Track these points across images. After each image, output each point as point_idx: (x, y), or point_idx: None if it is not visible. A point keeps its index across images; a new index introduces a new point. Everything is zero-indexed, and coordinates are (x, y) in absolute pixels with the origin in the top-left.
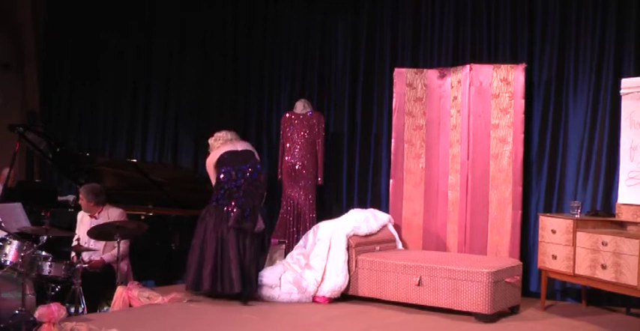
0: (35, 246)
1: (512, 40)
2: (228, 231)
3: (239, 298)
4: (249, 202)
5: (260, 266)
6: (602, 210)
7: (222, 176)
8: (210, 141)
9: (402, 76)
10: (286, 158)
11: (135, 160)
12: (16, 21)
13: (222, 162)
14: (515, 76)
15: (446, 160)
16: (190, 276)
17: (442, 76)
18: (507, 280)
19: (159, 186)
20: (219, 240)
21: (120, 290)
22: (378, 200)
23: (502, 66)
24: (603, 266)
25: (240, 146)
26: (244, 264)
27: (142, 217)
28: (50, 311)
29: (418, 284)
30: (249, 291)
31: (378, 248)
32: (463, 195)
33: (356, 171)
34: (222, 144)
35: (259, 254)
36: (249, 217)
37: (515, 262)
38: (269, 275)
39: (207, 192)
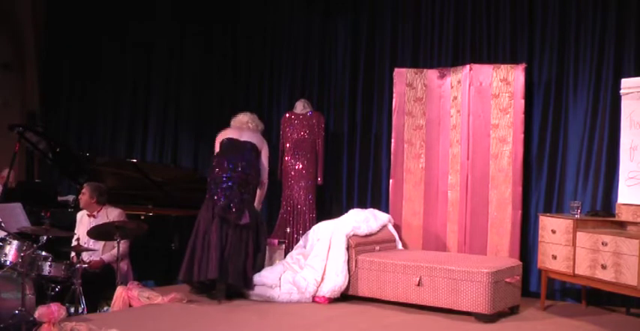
0: (35, 246)
1: (512, 40)
2: (212, 220)
3: (217, 292)
4: (236, 194)
5: (258, 267)
6: (602, 210)
7: (213, 165)
8: (232, 120)
9: (402, 76)
10: (286, 158)
11: (135, 160)
12: (16, 21)
13: (220, 147)
14: (515, 76)
15: (446, 160)
16: (183, 266)
17: (442, 76)
18: (507, 280)
19: (159, 186)
20: (207, 229)
21: (120, 290)
22: (378, 200)
23: (502, 66)
24: (603, 266)
25: (246, 136)
26: (224, 253)
27: (142, 217)
28: (50, 311)
29: (418, 284)
30: (231, 284)
31: (378, 248)
32: (463, 195)
33: (356, 171)
34: (235, 126)
35: (245, 250)
36: (234, 208)
37: (515, 262)
38: (269, 275)
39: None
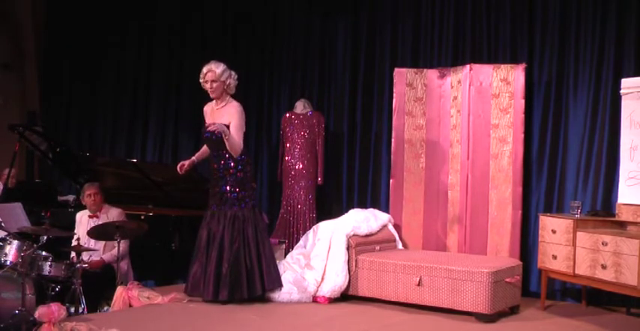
0: (35, 245)
1: (512, 40)
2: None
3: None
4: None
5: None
6: (602, 210)
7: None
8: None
9: (402, 76)
10: (286, 158)
11: (135, 160)
12: (16, 21)
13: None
14: (515, 76)
15: (446, 160)
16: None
17: (442, 76)
18: (507, 280)
19: (159, 186)
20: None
21: (120, 290)
22: (378, 200)
23: (502, 66)
24: (603, 266)
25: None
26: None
27: (142, 217)
28: (50, 311)
29: (418, 284)
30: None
31: (378, 248)
32: (463, 195)
33: (356, 171)
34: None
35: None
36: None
37: (515, 262)
38: None
39: (208, 192)
